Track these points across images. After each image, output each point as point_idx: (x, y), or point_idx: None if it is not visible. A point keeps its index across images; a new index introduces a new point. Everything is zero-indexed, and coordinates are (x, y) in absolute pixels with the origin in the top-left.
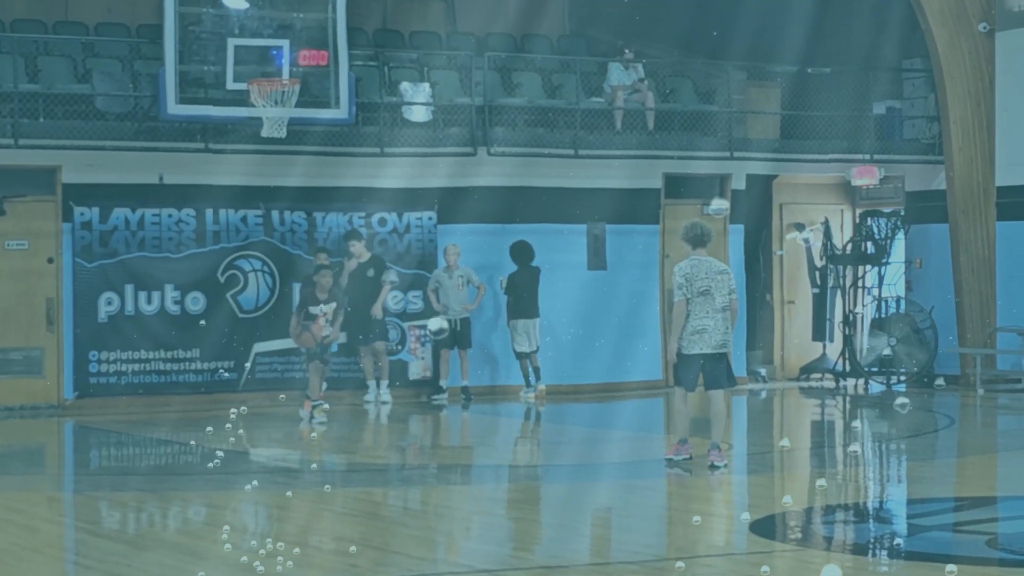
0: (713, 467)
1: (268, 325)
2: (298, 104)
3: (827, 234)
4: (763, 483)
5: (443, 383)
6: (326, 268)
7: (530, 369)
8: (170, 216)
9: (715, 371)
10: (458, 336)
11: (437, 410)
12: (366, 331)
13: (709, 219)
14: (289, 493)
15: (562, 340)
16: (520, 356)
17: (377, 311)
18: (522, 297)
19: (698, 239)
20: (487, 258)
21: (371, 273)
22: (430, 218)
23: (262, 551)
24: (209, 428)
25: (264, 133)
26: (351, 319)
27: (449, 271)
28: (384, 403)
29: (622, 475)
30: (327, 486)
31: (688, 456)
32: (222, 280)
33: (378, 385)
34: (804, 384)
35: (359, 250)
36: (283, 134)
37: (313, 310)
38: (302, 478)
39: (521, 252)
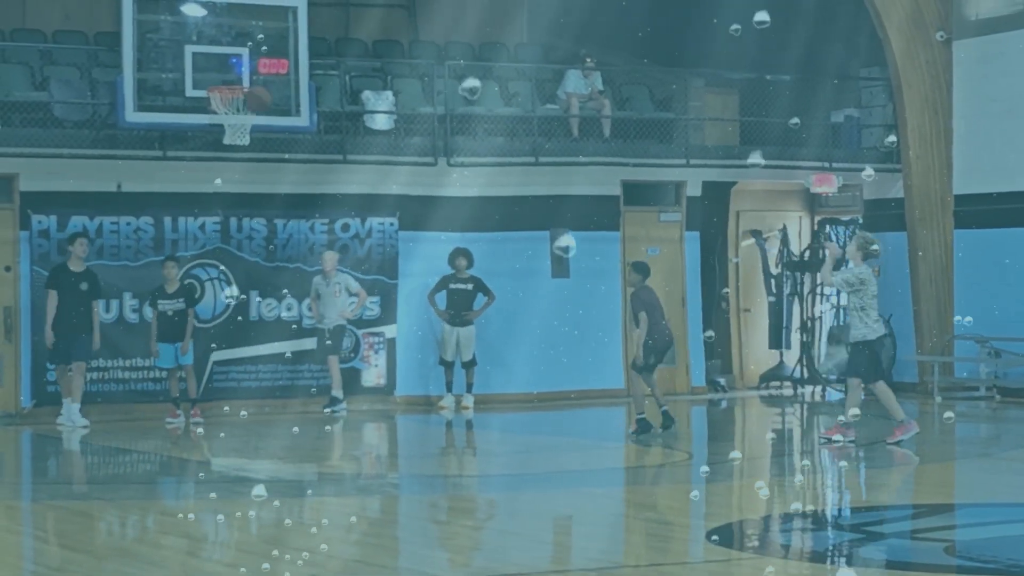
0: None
1: (225, 334)
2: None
3: (784, 241)
4: (722, 492)
5: (336, 392)
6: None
7: (455, 379)
8: (128, 224)
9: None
10: (330, 345)
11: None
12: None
13: (662, 227)
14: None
15: (524, 348)
16: (448, 365)
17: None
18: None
19: (872, 254)
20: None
21: (84, 287)
22: (392, 224)
23: (223, 561)
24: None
25: (227, 140)
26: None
27: (326, 278)
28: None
29: (580, 483)
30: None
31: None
32: None
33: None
34: (764, 393)
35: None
36: (246, 141)
37: None
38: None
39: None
